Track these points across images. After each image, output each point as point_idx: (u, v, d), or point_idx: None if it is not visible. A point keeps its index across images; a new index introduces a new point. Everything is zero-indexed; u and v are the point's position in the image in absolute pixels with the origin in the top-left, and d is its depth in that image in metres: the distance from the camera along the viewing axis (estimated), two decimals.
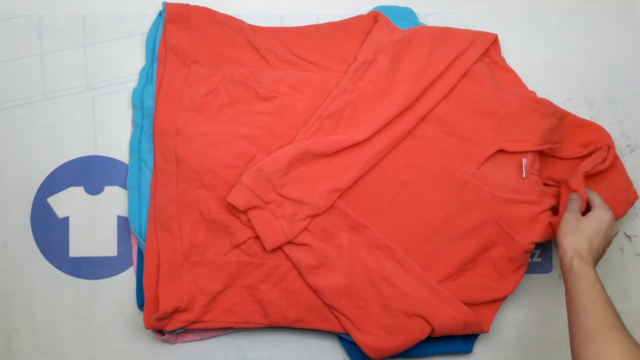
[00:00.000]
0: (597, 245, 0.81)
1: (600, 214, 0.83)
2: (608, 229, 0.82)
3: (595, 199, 0.86)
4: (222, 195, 0.88)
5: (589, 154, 0.92)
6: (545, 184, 0.93)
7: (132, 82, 0.94)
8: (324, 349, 0.93)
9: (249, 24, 0.93)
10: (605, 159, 0.90)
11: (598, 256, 0.81)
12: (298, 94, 0.91)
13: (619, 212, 0.92)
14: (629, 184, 0.93)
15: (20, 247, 0.92)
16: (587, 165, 0.89)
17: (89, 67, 0.93)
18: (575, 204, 0.85)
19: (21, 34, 0.93)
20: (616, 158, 0.92)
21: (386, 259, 0.89)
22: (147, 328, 0.86)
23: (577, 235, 0.80)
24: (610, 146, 0.91)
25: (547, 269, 0.96)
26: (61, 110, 0.93)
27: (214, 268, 0.88)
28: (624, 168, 0.93)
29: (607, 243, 0.83)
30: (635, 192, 0.94)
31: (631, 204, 0.93)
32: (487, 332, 0.90)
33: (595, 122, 0.94)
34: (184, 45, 0.91)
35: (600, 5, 0.99)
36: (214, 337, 0.92)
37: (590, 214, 0.83)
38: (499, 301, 0.91)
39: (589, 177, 0.91)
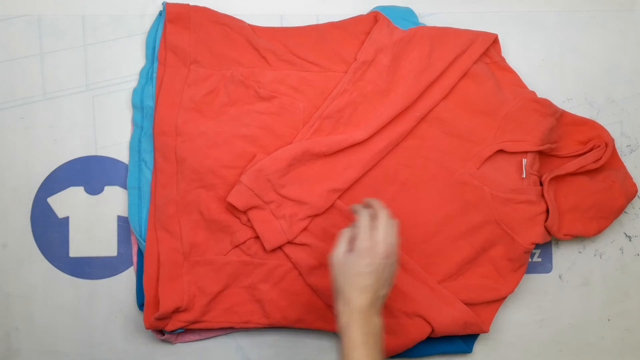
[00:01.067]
0: (373, 286, 0.66)
1: (367, 237, 0.69)
2: (385, 253, 0.68)
3: (364, 217, 0.71)
4: (222, 195, 0.88)
5: (588, 152, 0.92)
6: None
7: (132, 82, 0.94)
8: (324, 349, 0.93)
9: (249, 24, 0.93)
10: (599, 158, 0.90)
11: (378, 297, 0.68)
12: (298, 94, 0.91)
13: (616, 204, 0.92)
14: (626, 176, 0.93)
15: (20, 247, 0.92)
16: (573, 166, 0.90)
17: (89, 67, 0.93)
18: (361, 221, 0.70)
19: (21, 34, 0.93)
20: (614, 151, 0.92)
21: None
22: (147, 328, 0.86)
23: (344, 279, 0.67)
24: (607, 144, 0.91)
25: (547, 269, 0.96)
26: (61, 110, 0.93)
27: (214, 268, 0.88)
28: (621, 161, 0.93)
29: (392, 267, 0.70)
30: (634, 185, 0.93)
31: (629, 196, 0.93)
32: (487, 332, 0.90)
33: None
34: (184, 45, 0.91)
35: (600, 5, 0.99)
36: (214, 337, 0.92)
37: (358, 239, 0.69)
38: (499, 301, 0.91)
39: (585, 170, 0.91)
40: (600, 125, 0.93)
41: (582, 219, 0.92)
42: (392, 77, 0.91)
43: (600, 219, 0.93)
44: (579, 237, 0.95)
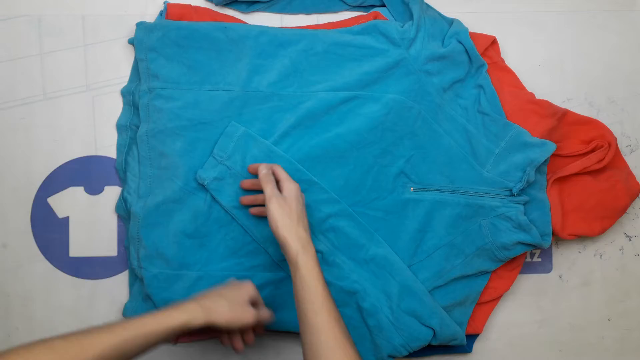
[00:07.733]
0: (306, 222, 0.74)
1: (291, 187, 0.76)
2: (302, 196, 0.77)
3: (281, 173, 0.78)
4: None
5: (591, 151, 0.91)
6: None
7: None
8: None
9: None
10: (603, 159, 0.90)
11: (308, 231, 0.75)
12: None
13: (620, 203, 0.92)
14: (628, 174, 0.93)
15: (20, 247, 0.92)
16: (576, 167, 0.89)
17: (89, 67, 0.93)
18: (273, 183, 0.76)
19: (21, 34, 0.93)
20: (616, 151, 0.92)
21: None
22: None
23: (293, 221, 0.72)
24: (610, 144, 0.91)
25: (547, 269, 0.96)
26: (61, 110, 0.93)
27: None
28: (623, 159, 0.93)
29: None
30: (637, 184, 0.93)
31: (632, 195, 0.92)
32: (480, 332, 0.90)
33: None
34: None
35: (600, 5, 0.99)
36: (214, 337, 0.92)
37: (284, 191, 0.76)
38: (494, 301, 0.91)
39: (588, 170, 0.91)
40: (603, 124, 0.93)
41: (586, 218, 0.91)
42: None
43: (604, 219, 0.92)
44: (580, 237, 0.95)
